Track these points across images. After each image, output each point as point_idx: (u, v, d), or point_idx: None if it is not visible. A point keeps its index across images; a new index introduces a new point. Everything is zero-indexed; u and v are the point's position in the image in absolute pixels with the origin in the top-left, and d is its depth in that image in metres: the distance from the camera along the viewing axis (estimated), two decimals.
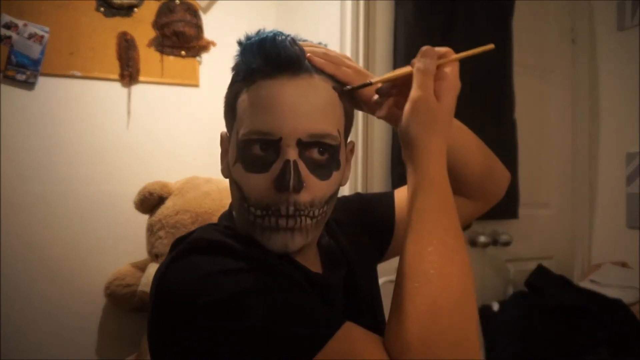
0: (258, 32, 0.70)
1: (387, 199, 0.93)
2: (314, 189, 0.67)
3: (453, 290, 0.59)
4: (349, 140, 0.77)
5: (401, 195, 0.92)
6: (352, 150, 0.79)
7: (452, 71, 0.69)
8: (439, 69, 0.68)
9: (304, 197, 0.66)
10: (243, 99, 0.69)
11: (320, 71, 0.70)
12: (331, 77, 0.71)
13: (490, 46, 0.72)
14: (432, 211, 0.64)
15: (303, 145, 0.67)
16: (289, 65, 0.67)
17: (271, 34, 0.68)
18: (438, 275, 0.60)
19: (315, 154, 0.68)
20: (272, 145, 0.66)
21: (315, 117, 0.67)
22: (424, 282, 0.59)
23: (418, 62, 0.68)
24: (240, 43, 0.71)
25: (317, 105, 0.68)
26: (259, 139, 0.66)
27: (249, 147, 0.67)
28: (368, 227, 0.90)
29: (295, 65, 0.68)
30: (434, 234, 0.62)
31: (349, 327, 0.60)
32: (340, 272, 0.80)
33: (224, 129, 0.76)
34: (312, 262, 0.77)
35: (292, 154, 0.66)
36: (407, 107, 0.67)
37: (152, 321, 0.68)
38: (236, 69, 0.72)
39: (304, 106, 0.67)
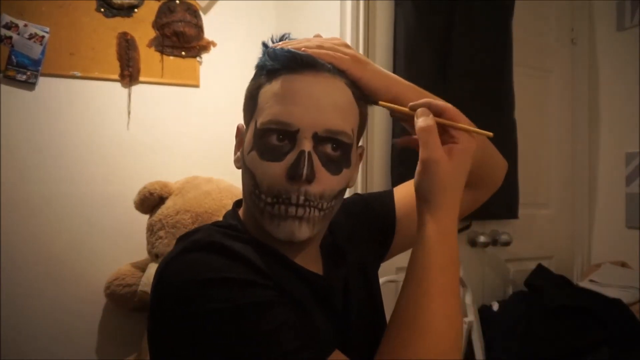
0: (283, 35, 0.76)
1: (386, 197, 0.94)
2: (325, 182, 0.69)
3: (446, 342, 0.63)
4: (360, 144, 0.79)
5: (401, 191, 0.94)
6: (361, 154, 0.80)
7: (466, 136, 0.70)
8: (450, 132, 0.70)
9: (314, 188, 0.68)
10: (266, 89, 0.71)
11: (341, 73, 0.72)
12: (344, 76, 0.73)
13: (489, 134, 0.76)
14: (437, 269, 0.66)
15: (318, 139, 0.69)
16: (313, 62, 0.70)
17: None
18: (438, 326, 0.63)
19: (328, 149, 0.70)
20: (289, 136, 0.68)
21: (333, 114, 0.70)
22: (422, 333, 0.63)
23: (418, 121, 0.69)
24: (265, 44, 0.75)
25: (336, 103, 0.70)
26: (277, 128, 0.68)
27: (266, 136, 0.69)
28: (369, 227, 0.90)
29: (318, 63, 0.71)
30: (438, 292, 0.65)
31: (336, 356, 0.62)
32: (341, 272, 0.80)
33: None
34: (313, 263, 0.77)
35: (307, 145, 0.68)
36: (418, 167, 0.69)
37: (151, 319, 0.69)
38: (261, 63, 0.74)
39: (324, 102, 0.69)
